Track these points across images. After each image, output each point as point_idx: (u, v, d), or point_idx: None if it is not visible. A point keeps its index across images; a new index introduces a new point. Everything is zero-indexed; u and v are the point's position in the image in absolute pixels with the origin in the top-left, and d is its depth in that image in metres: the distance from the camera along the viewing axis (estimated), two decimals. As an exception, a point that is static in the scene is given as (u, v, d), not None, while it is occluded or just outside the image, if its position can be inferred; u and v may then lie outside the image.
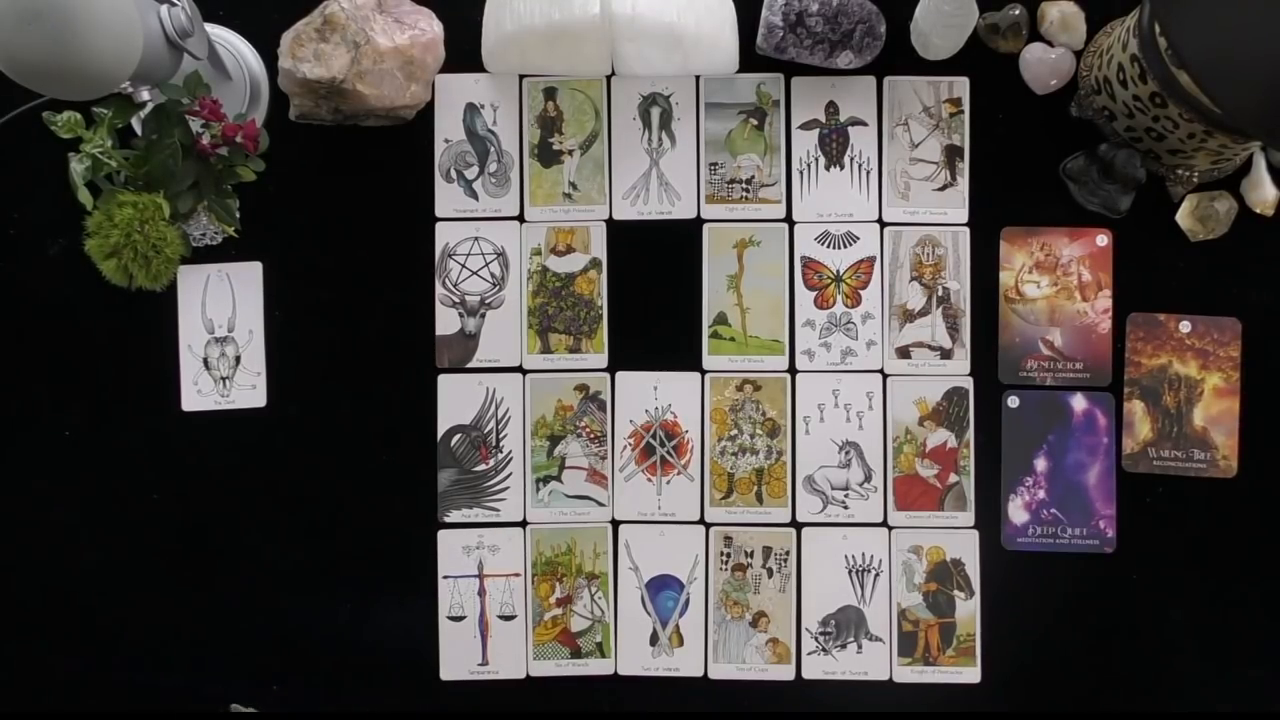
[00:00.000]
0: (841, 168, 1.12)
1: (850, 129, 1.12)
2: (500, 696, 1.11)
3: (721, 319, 1.12)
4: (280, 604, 1.11)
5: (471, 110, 1.13)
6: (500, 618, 1.11)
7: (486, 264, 1.12)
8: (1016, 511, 1.11)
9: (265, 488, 1.12)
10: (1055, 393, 1.11)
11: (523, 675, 1.12)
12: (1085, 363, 1.11)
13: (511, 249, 1.13)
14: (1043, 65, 1.11)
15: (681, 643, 1.11)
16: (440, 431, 1.12)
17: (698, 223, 1.12)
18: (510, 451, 1.12)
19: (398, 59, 1.06)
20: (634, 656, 1.11)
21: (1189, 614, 1.10)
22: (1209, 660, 1.10)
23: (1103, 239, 1.11)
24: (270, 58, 1.09)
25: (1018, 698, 1.11)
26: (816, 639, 1.11)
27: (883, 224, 1.12)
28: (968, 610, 1.11)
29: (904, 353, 1.12)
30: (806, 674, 1.11)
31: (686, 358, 1.12)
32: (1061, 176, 1.11)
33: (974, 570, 1.11)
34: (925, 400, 1.11)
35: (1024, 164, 1.12)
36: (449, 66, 1.12)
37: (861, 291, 1.12)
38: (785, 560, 1.11)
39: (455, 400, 1.12)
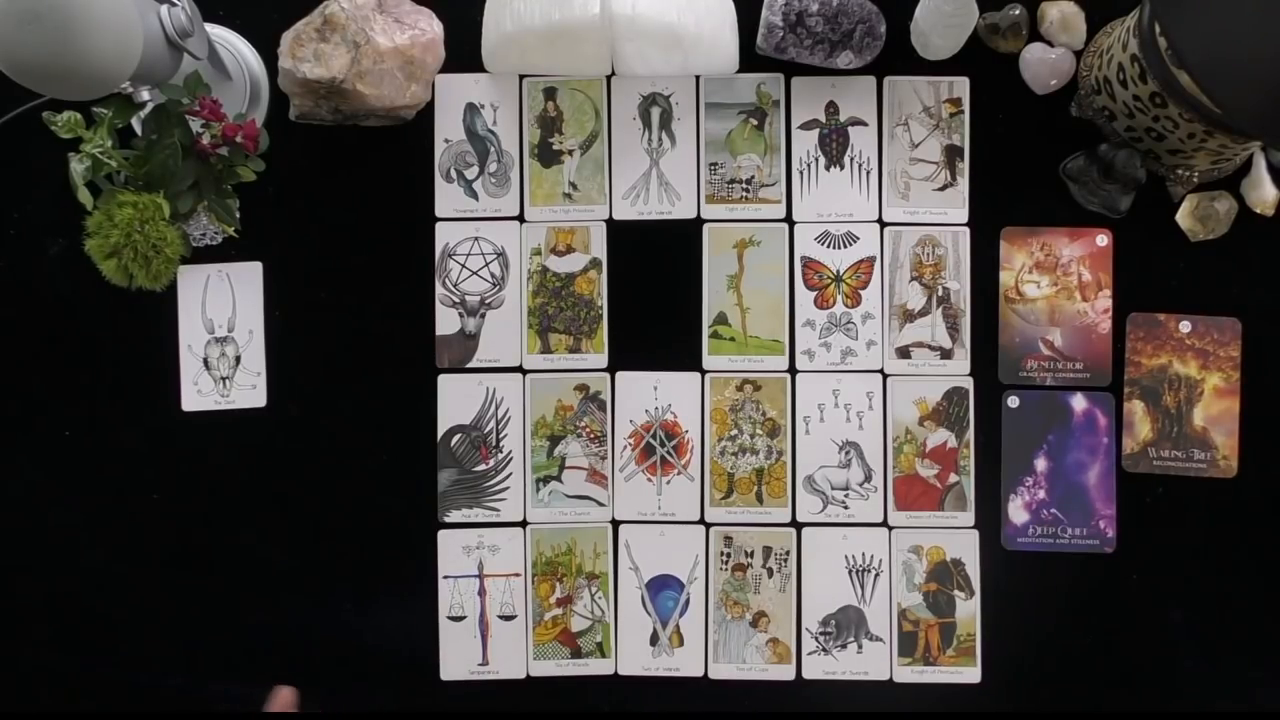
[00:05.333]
0: (841, 168, 1.12)
1: (850, 129, 1.12)
2: (500, 696, 1.11)
3: (721, 319, 1.12)
4: (280, 604, 1.11)
5: (471, 110, 1.13)
6: (500, 618, 1.11)
7: (486, 264, 1.12)
8: (1016, 511, 1.11)
9: (265, 488, 1.12)
10: (1055, 393, 1.11)
11: (523, 675, 1.12)
12: (1085, 363, 1.11)
13: (511, 249, 1.13)
14: (1043, 65, 1.11)
15: (682, 643, 1.11)
16: (440, 431, 1.12)
17: (698, 223, 1.12)
18: (510, 451, 1.12)
19: (398, 59, 1.06)
20: (634, 656, 1.11)
21: (1189, 614, 1.10)
22: (1209, 660, 1.10)
23: (1103, 239, 1.11)
24: (270, 58, 1.09)
25: (1018, 698, 1.11)
26: (817, 639, 1.11)
27: (883, 224, 1.12)
28: (968, 610, 1.11)
29: (904, 353, 1.12)
30: (807, 674, 1.11)
31: (686, 358, 1.12)
32: (1061, 176, 1.11)
33: (974, 570, 1.11)
34: (925, 400, 1.11)
35: (1024, 164, 1.12)
36: (449, 66, 1.12)
37: (861, 291, 1.12)
38: (785, 560, 1.11)
39: (455, 400, 1.12)
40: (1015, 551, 1.11)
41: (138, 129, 1.04)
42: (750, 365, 1.12)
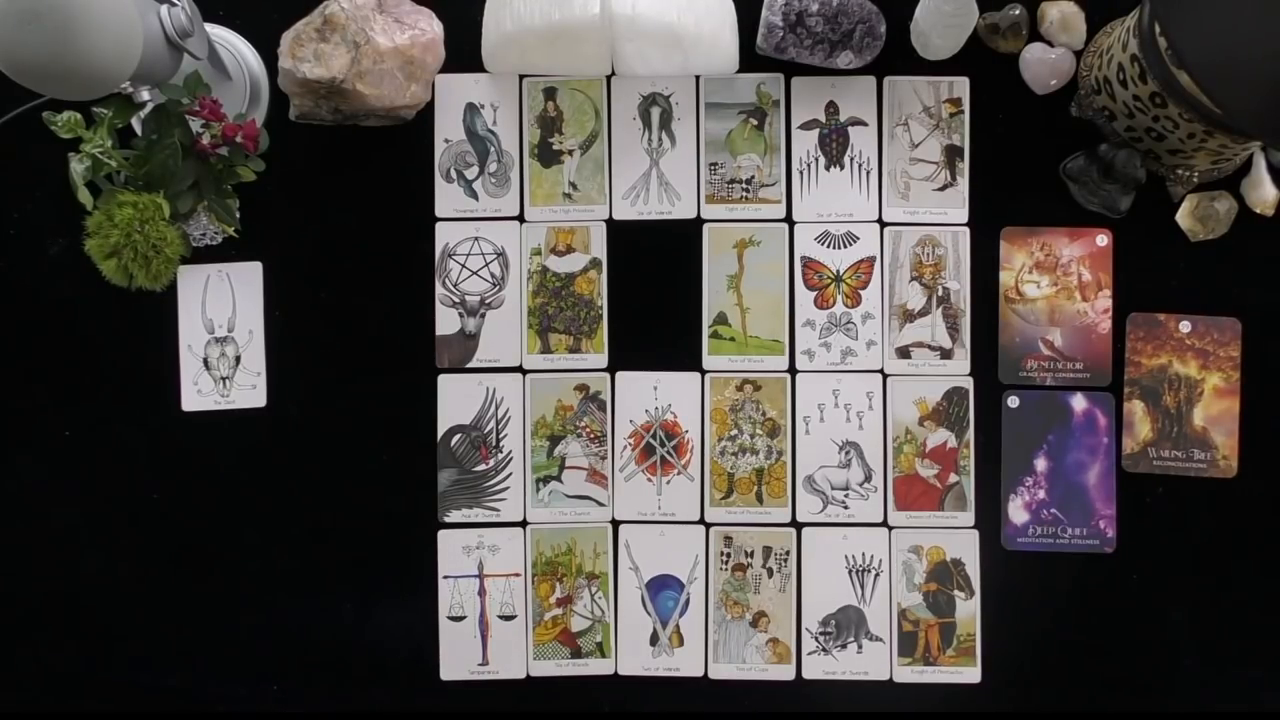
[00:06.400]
0: (841, 168, 1.12)
1: (850, 129, 1.12)
2: (500, 696, 1.11)
3: (721, 319, 1.12)
4: (280, 604, 1.11)
5: (471, 110, 1.13)
6: (500, 618, 1.11)
7: (486, 264, 1.12)
8: (1016, 511, 1.11)
9: (265, 488, 1.12)
10: (1055, 393, 1.11)
11: (523, 675, 1.12)
12: (1085, 363, 1.11)
13: (511, 249, 1.13)
14: (1043, 65, 1.11)
15: (681, 643, 1.11)
16: (440, 431, 1.12)
17: (698, 223, 1.12)
18: (510, 451, 1.12)
19: (398, 59, 1.06)
20: (634, 656, 1.11)
21: (1189, 614, 1.10)
22: (1209, 660, 1.10)
23: (1103, 239, 1.11)
24: (270, 58, 1.09)
25: (1018, 698, 1.11)
26: (817, 639, 1.11)
27: (883, 224, 1.12)
28: (968, 610, 1.11)
29: (904, 353, 1.12)
30: (807, 674, 1.11)
31: (686, 358, 1.12)
32: (1061, 176, 1.11)
33: (974, 570, 1.11)
34: (925, 400, 1.11)
35: (1024, 164, 1.12)
36: (449, 66, 1.12)
37: (861, 291, 1.12)
38: (785, 560, 1.11)
39: (455, 400, 1.12)
40: (1015, 551, 1.11)
41: (138, 129, 1.04)
42: (750, 365, 1.12)
